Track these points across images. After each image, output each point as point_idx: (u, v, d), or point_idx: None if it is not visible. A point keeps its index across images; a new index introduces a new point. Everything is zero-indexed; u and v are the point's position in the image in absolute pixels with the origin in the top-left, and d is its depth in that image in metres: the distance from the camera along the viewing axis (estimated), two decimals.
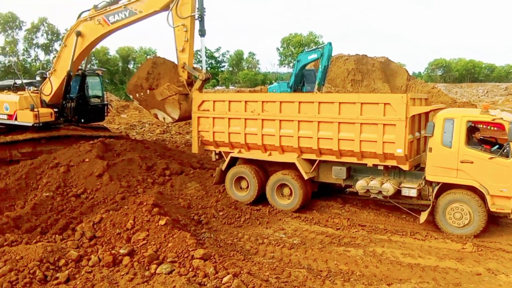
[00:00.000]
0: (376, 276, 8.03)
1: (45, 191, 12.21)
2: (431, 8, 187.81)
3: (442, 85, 56.64)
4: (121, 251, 8.08)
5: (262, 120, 11.77)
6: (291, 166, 11.71)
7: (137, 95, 14.03)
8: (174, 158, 15.56)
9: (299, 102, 11.31)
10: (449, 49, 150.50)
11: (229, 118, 12.26)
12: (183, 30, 13.01)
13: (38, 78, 16.62)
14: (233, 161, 12.66)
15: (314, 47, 30.16)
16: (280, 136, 11.61)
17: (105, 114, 18.66)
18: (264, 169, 12.47)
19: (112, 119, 28.53)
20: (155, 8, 13.39)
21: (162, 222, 8.64)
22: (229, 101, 12.34)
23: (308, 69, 27.82)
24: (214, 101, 12.60)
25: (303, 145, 11.40)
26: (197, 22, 13.29)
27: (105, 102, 18.62)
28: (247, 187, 12.26)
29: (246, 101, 12.07)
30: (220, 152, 12.95)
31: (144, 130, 25.93)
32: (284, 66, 75.29)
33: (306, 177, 11.42)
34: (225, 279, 7.02)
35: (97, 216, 9.46)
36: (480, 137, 10.25)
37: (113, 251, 8.12)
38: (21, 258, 7.70)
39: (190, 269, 7.42)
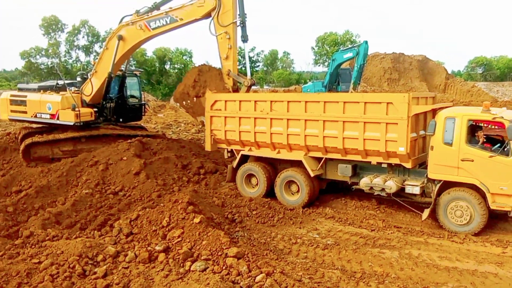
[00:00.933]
0: (412, 279, 7.87)
1: (84, 188, 12.60)
2: (471, 5, 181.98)
3: (483, 84, 54.73)
4: (157, 247, 8.24)
5: (271, 119, 12.10)
6: (299, 164, 11.99)
7: (184, 103, 14.41)
8: (208, 157, 15.74)
9: (306, 102, 11.59)
10: (490, 46, 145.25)
11: (240, 117, 12.63)
12: (225, 38, 13.21)
13: (78, 79, 17.14)
14: (244, 159, 13.03)
15: (349, 46, 29.82)
16: (288, 134, 11.92)
17: (143, 113, 19.06)
18: (274, 166, 12.81)
19: (149, 118, 29.10)
20: (196, 16, 13.60)
21: (196, 220, 8.75)
22: (240, 101, 12.69)
23: (344, 68, 27.53)
24: (225, 101, 12.96)
25: (309, 143, 11.68)
26: (238, 28, 13.51)
27: (143, 102, 19.00)
28: (257, 184, 12.65)
29: (255, 101, 12.41)
30: (232, 150, 13.32)
31: (180, 129, 26.30)
32: (319, 65, 74.74)
33: (312, 175, 11.71)
34: (258, 278, 7.05)
35: (134, 213, 9.68)
36: (484, 135, 10.07)
37: (149, 248, 8.29)
38: (62, 252, 7.98)
39: (224, 267, 7.48)
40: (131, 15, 14.71)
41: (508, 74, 77.36)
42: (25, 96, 16.73)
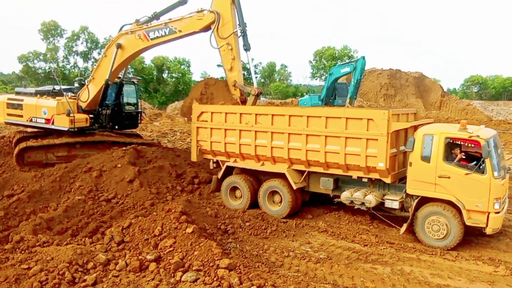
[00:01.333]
0: None
1: (77, 194, 12.53)
2: (467, 24, 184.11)
3: (478, 102, 55.15)
4: (148, 257, 8.20)
5: (256, 131, 12.33)
6: (282, 175, 12.16)
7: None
8: (203, 167, 15.71)
9: (289, 116, 11.84)
10: (485, 66, 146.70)
11: (226, 129, 12.85)
12: (228, 49, 13.30)
13: (76, 85, 17.14)
14: (229, 170, 13.19)
15: (347, 61, 30.02)
16: (272, 147, 12.14)
17: (139, 121, 19.05)
18: (258, 178, 12.96)
19: (145, 126, 29.06)
20: (194, 29, 13.71)
21: (189, 230, 8.72)
22: (226, 113, 12.90)
23: (340, 83, 27.70)
24: (212, 113, 13.16)
25: (292, 156, 11.90)
26: (240, 38, 13.57)
27: (139, 110, 19.00)
28: (241, 196, 12.80)
29: (241, 113, 12.63)
30: (217, 161, 13.51)
31: (176, 138, 26.29)
32: (316, 79, 75.01)
33: (295, 187, 11.91)
34: None
35: (126, 221, 9.63)
36: (463, 152, 10.30)
37: (140, 257, 8.24)
38: (52, 259, 7.92)
39: (215, 279, 7.44)
40: (131, 24, 14.77)
41: (503, 93, 78.06)
42: (22, 100, 16.76)
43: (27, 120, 16.56)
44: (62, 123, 15.59)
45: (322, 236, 10.88)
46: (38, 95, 16.74)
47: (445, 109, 51.82)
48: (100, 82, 15.66)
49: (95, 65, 16.60)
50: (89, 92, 15.88)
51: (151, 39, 14.32)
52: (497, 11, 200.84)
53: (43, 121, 16.04)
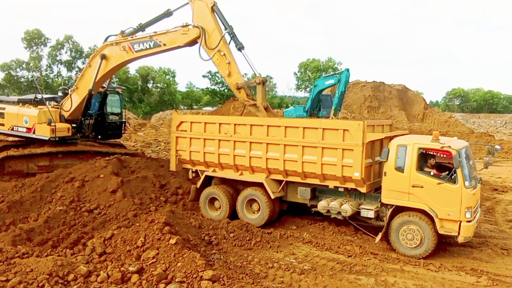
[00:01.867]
0: None
1: (59, 205, 12.32)
2: (448, 39, 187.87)
3: (460, 115, 56.20)
4: (130, 268, 8.07)
5: (234, 141, 12.48)
6: (261, 185, 12.31)
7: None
8: (187, 177, 15.59)
9: (268, 126, 12.06)
10: (467, 79, 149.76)
11: (205, 139, 12.98)
12: (221, 56, 13.00)
13: (60, 94, 17.00)
14: (208, 180, 13.30)
15: (331, 73, 30.30)
16: (250, 157, 12.31)
17: (123, 131, 18.90)
18: (236, 189, 13.05)
19: (128, 136, 28.83)
20: (179, 43, 13.53)
21: (172, 241, 8.63)
22: (205, 123, 13.07)
23: (325, 94, 27.89)
24: (191, 122, 13.31)
25: (271, 166, 12.08)
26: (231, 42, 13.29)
27: (123, 120, 18.86)
28: (220, 207, 12.87)
29: (220, 123, 12.78)
30: (196, 170, 13.58)
31: (160, 148, 26.11)
32: (301, 91, 75.58)
33: (272, 197, 12.05)
34: None
35: (109, 232, 9.49)
36: (436, 163, 10.57)
37: (122, 268, 8.11)
38: (31, 270, 7.74)
39: None
40: (116, 35, 14.64)
41: (484, 106, 79.60)
42: (4, 109, 16.55)
43: (9, 129, 16.33)
44: (43, 132, 15.39)
45: (306, 247, 10.87)
46: (20, 104, 16.53)
47: (428, 121, 52.62)
48: (83, 92, 15.49)
49: (79, 74, 16.39)
50: (72, 102, 15.72)
51: (136, 51, 14.15)
52: (478, 26, 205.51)
53: (25, 130, 15.83)
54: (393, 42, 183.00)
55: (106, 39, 14.95)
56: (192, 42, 13.38)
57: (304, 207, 13.32)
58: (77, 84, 15.77)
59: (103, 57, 14.72)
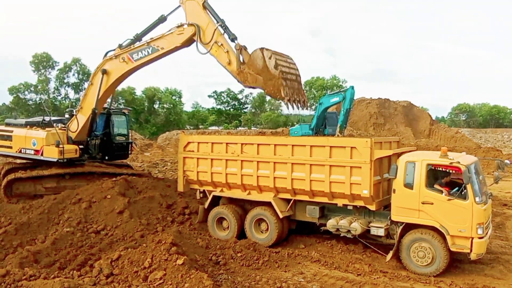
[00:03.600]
0: None
1: (66, 226, 12.33)
2: (452, 54, 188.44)
3: (466, 130, 55.97)
4: None
5: (242, 161, 12.47)
6: (269, 204, 12.23)
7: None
8: (194, 197, 15.57)
9: (275, 145, 12.08)
10: (473, 94, 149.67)
11: (212, 159, 12.98)
12: (218, 46, 13.15)
13: (67, 116, 17.13)
14: (216, 200, 13.23)
15: (336, 90, 30.40)
16: (258, 176, 12.27)
17: (129, 152, 18.98)
18: (244, 208, 12.98)
19: (135, 157, 28.95)
20: (176, 44, 13.83)
21: (179, 262, 8.57)
22: (212, 143, 13.10)
23: (330, 112, 27.86)
24: (198, 143, 13.36)
25: (278, 185, 12.04)
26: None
27: (130, 141, 18.96)
28: (228, 227, 12.80)
29: (227, 143, 12.82)
30: (204, 190, 13.54)
31: (166, 168, 26.16)
32: (306, 109, 75.71)
33: (281, 216, 11.95)
34: None
35: (116, 253, 9.45)
36: (449, 180, 10.48)
37: None
38: None
39: None
40: (114, 49, 14.86)
41: (490, 121, 79.32)
42: (11, 131, 16.64)
43: (17, 151, 16.41)
44: (51, 154, 15.48)
45: (315, 266, 10.75)
46: (28, 126, 16.67)
47: (434, 137, 52.46)
48: (88, 111, 15.66)
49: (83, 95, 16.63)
50: (78, 122, 15.87)
51: (135, 60, 14.43)
52: (483, 41, 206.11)
53: (32, 152, 15.92)
54: (397, 59, 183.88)
55: (105, 55, 15.13)
56: (189, 41, 13.67)
57: (312, 226, 13.26)
58: (81, 104, 15.96)
59: (104, 72, 14.94)
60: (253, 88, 13.42)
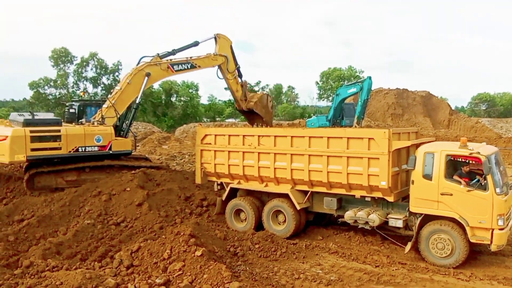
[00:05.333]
0: None
1: (86, 218, 12.55)
2: (471, 43, 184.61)
3: (487, 120, 54.81)
4: (157, 280, 8.13)
5: (258, 153, 12.54)
6: (286, 196, 12.27)
7: None
8: (212, 189, 15.68)
9: (292, 137, 12.03)
10: (493, 83, 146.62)
11: (229, 151, 13.12)
12: (233, 78, 18.05)
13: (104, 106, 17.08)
14: (233, 192, 13.32)
15: (353, 81, 30.12)
16: (275, 168, 12.31)
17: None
18: (261, 200, 13.04)
19: (153, 149, 29.19)
20: (209, 65, 17.76)
21: (198, 253, 8.66)
22: (229, 135, 13.23)
23: (347, 103, 27.68)
24: (215, 135, 13.53)
25: (295, 177, 12.03)
26: None
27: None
28: (245, 218, 12.93)
29: (244, 136, 12.91)
30: (221, 183, 13.74)
31: (184, 161, 26.31)
32: (323, 100, 75.38)
33: (298, 208, 12.02)
34: None
35: (135, 245, 9.59)
36: (469, 170, 10.32)
37: (149, 281, 8.17)
38: (61, 283, 7.87)
39: None
40: (151, 56, 16.71)
41: (511, 110, 77.64)
42: (58, 131, 15.32)
43: (70, 151, 15.43)
44: (124, 147, 16.42)
45: (332, 258, 10.75)
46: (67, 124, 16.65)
47: (454, 127, 51.61)
48: (121, 107, 16.48)
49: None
50: (118, 115, 16.42)
51: (176, 71, 17.01)
52: (502, 29, 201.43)
53: (97, 148, 15.78)
54: (414, 50, 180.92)
55: (140, 60, 16.68)
56: (218, 64, 17.94)
57: (330, 217, 13.23)
58: (116, 99, 16.31)
59: (148, 75, 16.31)
60: (245, 112, 20.15)
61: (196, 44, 17.60)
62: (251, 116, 19.93)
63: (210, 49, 18.16)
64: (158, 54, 16.96)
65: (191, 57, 17.33)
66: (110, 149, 15.99)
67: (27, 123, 14.91)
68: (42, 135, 14.91)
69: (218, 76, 18.28)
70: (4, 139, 14.26)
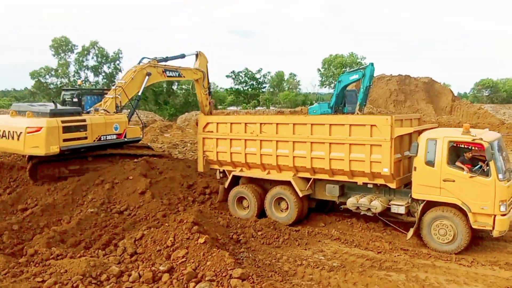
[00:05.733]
0: None
1: (90, 207, 12.60)
2: (474, 29, 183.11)
3: (489, 106, 54.59)
4: (161, 268, 8.20)
5: (261, 140, 12.55)
6: (288, 183, 12.30)
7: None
8: (214, 177, 15.72)
9: (294, 124, 12.02)
10: (496, 69, 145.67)
11: (231, 139, 13.15)
12: (205, 94, 18.24)
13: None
14: (236, 179, 13.37)
15: (355, 68, 29.97)
16: (277, 155, 12.32)
17: None
18: (264, 187, 13.08)
19: (155, 138, 29.23)
20: (190, 78, 18.76)
21: (201, 240, 8.71)
22: (231, 123, 13.26)
23: (350, 90, 27.53)
24: (217, 123, 13.59)
25: (298, 164, 12.06)
26: None
27: None
28: (248, 206, 12.98)
29: (246, 123, 12.91)
30: (224, 170, 13.79)
31: (186, 149, 26.35)
32: (325, 87, 75.12)
33: (301, 195, 12.05)
34: None
35: (139, 233, 9.66)
36: (471, 156, 10.33)
37: (153, 268, 8.25)
38: (66, 271, 7.96)
39: None
40: (150, 58, 17.35)
41: None
42: (84, 120, 15.26)
43: (95, 140, 15.39)
44: (136, 134, 16.75)
45: (335, 244, 10.81)
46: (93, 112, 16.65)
47: (456, 113, 51.43)
48: (124, 99, 16.80)
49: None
50: (121, 106, 16.55)
51: (167, 76, 17.91)
52: (505, 14, 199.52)
53: (115, 136, 15.90)
54: (417, 35, 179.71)
55: (141, 60, 17.35)
56: (194, 79, 18.80)
57: (332, 204, 13.27)
58: (122, 91, 16.42)
59: (149, 74, 16.88)
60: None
61: (182, 56, 18.83)
62: None
63: (190, 63, 19.28)
64: (155, 57, 17.89)
65: (179, 67, 18.44)
66: (125, 136, 16.15)
67: (53, 113, 14.56)
68: (72, 125, 14.74)
69: (191, 89, 19.75)
70: (37, 130, 13.85)
